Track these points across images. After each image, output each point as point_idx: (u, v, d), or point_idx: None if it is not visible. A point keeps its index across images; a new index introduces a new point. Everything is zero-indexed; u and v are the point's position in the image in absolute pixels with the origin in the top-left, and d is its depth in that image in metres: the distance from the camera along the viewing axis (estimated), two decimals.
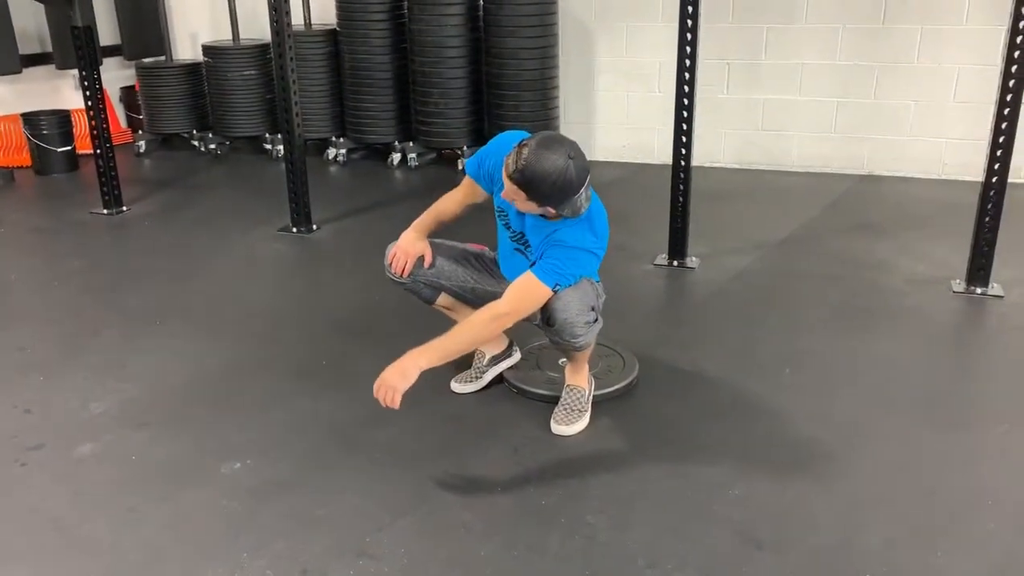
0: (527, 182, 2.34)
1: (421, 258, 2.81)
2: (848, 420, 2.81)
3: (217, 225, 4.98)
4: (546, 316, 2.56)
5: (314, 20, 6.40)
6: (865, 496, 2.43)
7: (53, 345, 3.50)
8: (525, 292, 2.48)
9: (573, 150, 2.37)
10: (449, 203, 2.83)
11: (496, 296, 2.66)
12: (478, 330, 2.48)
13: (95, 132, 5.08)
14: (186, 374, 3.21)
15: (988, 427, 2.77)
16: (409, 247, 2.80)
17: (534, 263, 2.54)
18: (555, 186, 2.34)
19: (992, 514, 2.36)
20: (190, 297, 3.96)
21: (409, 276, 2.81)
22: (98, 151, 5.11)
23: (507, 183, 2.40)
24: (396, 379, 2.35)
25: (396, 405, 2.36)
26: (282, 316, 3.77)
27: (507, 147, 2.47)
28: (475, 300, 2.86)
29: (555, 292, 2.48)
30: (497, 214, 2.77)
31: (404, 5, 6.03)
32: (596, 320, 2.66)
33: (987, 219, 3.66)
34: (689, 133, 3.96)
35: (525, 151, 2.34)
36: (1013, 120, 3.50)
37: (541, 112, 5.86)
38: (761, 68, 5.70)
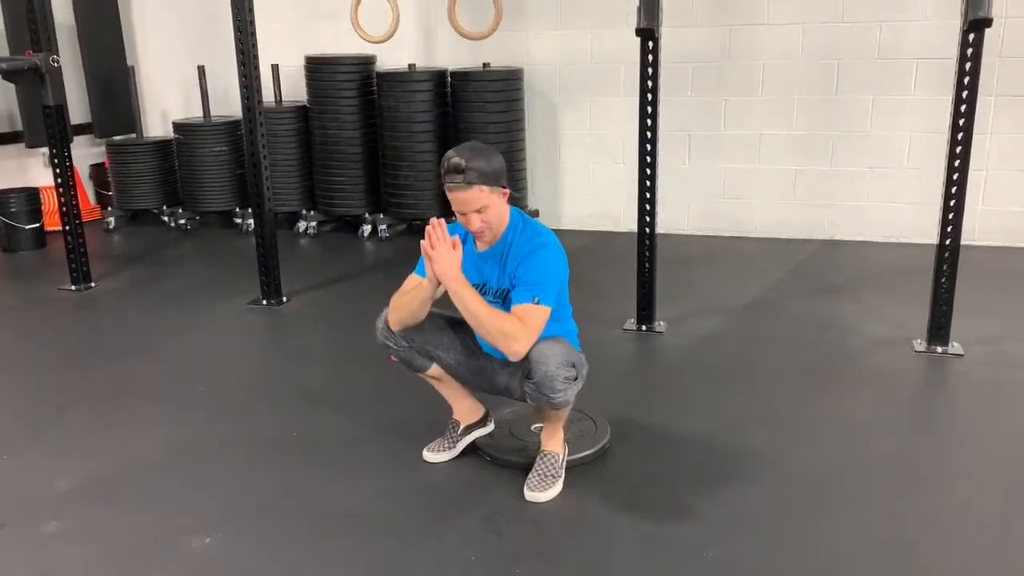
0: (476, 161, 2.54)
1: (421, 324, 2.75)
2: (817, 481, 2.84)
3: (186, 299, 4.97)
4: (526, 369, 2.58)
5: (284, 97, 6.51)
6: (836, 554, 2.44)
7: (18, 422, 3.44)
8: (523, 319, 2.52)
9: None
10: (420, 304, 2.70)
11: (483, 374, 2.81)
12: (494, 321, 2.53)
13: (64, 209, 5.09)
14: (154, 449, 3.17)
15: (952, 483, 2.81)
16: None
17: (509, 292, 2.62)
18: (489, 152, 2.61)
19: (961, 570, 2.38)
20: (158, 371, 3.93)
21: (407, 341, 2.78)
22: (67, 228, 5.11)
23: (460, 195, 2.55)
24: (450, 257, 2.51)
25: (436, 241, 2.51)
26: (252, 389, 3.75)
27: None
28: (466, 375, 2.89)
29: (538, 303, 2.52)
30: None
31: (373, 82, 6.17)
32: (576, 379, 2.66)
33: (943, 280, 3.77)
34: (653, 202, 4.06)
35: (452, 154, 2.56)
36: (962, 184, 3.64)
37: (508, 184, 5.95)
38: (721, 138, 5.88)
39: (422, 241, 2.54)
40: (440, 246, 2.52)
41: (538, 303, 2.53)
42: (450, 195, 2.60)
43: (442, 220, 2.58)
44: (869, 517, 2.62)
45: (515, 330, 2.51)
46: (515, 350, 2.53)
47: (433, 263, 2.53)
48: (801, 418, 3.30)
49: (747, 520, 2.62)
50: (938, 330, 3.83)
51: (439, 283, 2.57)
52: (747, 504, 2.71)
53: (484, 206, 2.58)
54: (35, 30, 4.89)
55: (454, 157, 2.56)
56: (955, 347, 3.82)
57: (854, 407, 3.37)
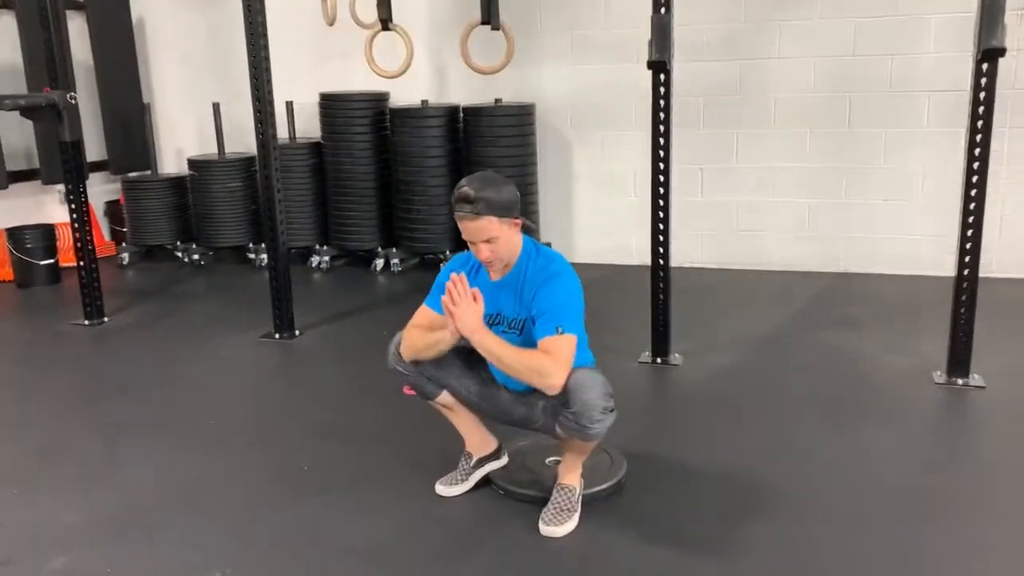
0: (486, 191, 2.55)
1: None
2: (835, 515, 2.77)
3: (199, 333, 4.97)
4: (564, 398, 2.52)
5: (298, 133, 6.56)
6: None
7: (27, 456, 3.42)
8: (551, 351, 2.49)
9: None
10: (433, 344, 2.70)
11: (498, 404, 2.77)
12: (523, 361, 2.51)
13: (79, 245, 5.12)
14: (164, 483, 3.13)
15: (978, 517, 2.75)
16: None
17: (525, 322, 2.60)
18: (501, 183, 2.62)
19: None
20: (169, 405, 3.91)
21: (416, 368, 2.76)
22: (81, 263, 5.13)
23: (468, 224, 2.55)
24: (472, 311, 2.50)
25: (458, 297, 2.50)
26: (263, 422, 3.72)
27: (456, 266, 2.66)
28: (480, 405, 2.86)
29: (563, 333, 2.50)
30: None
31: (387, 118, 6.22)
32: (613, 411, 2.59)
33: (963, 311, 3.72)
34: (666, 235, 4.04)
35: (463, 184, 2.58)
36: (979, 215, 3.61)
37: (521, 214, 5.97)
38: (734, 172, 5.87)
39: (443, 297, 2.54)
40: (462, 302, 2.51)
41: (562, 332, 2.51)
42: (460, 224, 2.60)
43: (463, 275, 2.57)
44: (891, 552, 2.56)
45: (545, 365, 2.48)
46: (550, 384, 2.49)
47: (456, 320, 2.52)
48: (820, 451, 3.24)
49: (764, 555, 2.56)
50: (959, 362, 3.77)
51: (460, 335, 2.56)
52: (764, 538, 2.65)
53: (493, 236, 2.58)
54: (53, 67, 4.96)
55: (465, 187, 2.57)
56: (976, 379, 3.76)
57: (875, 440, 3.31)
